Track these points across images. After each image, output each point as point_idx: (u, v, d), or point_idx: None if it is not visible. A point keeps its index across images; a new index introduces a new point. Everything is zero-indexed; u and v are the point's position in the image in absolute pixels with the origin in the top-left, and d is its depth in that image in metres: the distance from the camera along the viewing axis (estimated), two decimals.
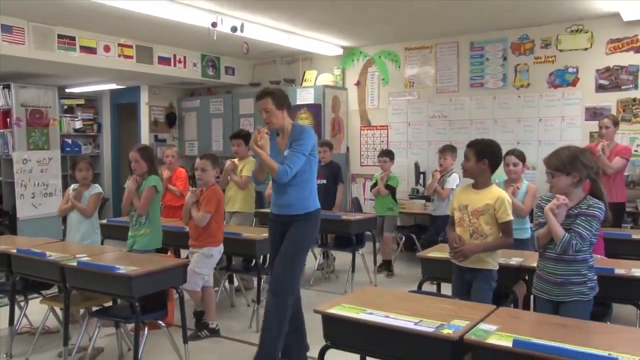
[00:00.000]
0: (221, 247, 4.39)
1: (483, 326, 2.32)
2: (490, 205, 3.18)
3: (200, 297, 4.34)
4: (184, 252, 5.32)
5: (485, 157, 3.23)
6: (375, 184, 6.45)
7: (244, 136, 5.49)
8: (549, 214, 2.79)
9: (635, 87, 6.30)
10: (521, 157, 4.30)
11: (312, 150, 3.58)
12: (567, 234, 2.74)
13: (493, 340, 2.17)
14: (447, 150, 5.93)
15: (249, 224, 5.58)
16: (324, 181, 6.23)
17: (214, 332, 4.33)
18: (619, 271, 3.22)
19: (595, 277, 2.85)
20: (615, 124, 5.38)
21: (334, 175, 6.23)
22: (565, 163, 2.81)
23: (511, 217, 3.18)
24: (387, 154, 6.46)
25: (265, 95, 3.54)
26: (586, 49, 6.55)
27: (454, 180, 5.79)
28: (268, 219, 3.78)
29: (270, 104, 3.51)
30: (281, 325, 3.48)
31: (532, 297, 3.55)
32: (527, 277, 3.54)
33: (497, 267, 3.27)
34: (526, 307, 3.50)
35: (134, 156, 4.31)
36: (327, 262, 6.34)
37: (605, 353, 2.00)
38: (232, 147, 5.53)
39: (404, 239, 6.93)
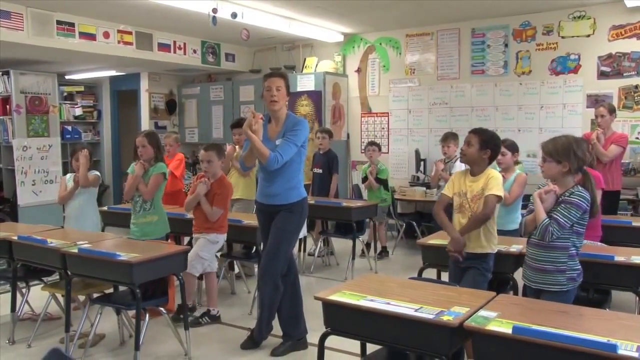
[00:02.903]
0: (225, 235, 4.42)
1: (483, 313, 2.33)
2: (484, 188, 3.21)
3: (195, 282, 4.36)
4: (185, 239, 5.34)
5: (489, 148, 3.25)
6: (365, 178, 6.41)
7: None
8: (536, 199, 2.84)
9: (638, 74, 6.28)
10: (511, 147, 4.25)
11: (304, 143, 3.64)
12: (546, 219, 2.77)
13: (493, 327, 2.18)
14: (450, 138, 5.91)
15: (251, 211, 5.57)
16: (320, 170, 6.24)
17: (215, 319, 4.35)
18: (619, 258, 3.22)
19: (578, 266, 2.85)
20: (612, 112, 5.34)
21: (329, 165, 6.24)
22: (559, 151, 2.83)
23: (497, 193, 3.16)
24: (376, 144, 6.45)
25: (281, 75, 3.69)
26: (588, 36, 6.51)
27: (460, 167, 5.76)
28: (255, 208, 3.86)
29: (283, 85, 3.61)
30: (271, 305, 3.71)
31: None
32: None
33: (495, 251, 3.26)
34: (526, 294, 3.51)
35: (141, 141, 4.26)
36: (327, 248, 6.35)
37: (604, 339, 2.01)
38: (233, 137, 5.49)
39: (404, 226, 6.94)
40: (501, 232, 3.82)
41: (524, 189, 4.17)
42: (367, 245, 6.31)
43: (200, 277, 4.52)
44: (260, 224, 3.87)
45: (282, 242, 3.68)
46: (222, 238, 4.36)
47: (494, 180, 3.19)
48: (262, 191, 3.73)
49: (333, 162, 6.29)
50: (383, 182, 6.33)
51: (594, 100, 6.46)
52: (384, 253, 6.48)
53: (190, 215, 4.68)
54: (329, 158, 6.29)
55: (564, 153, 2.82)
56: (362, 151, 8.19)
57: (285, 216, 3.66)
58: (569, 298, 2.81)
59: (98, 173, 4.70)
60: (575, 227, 2.80)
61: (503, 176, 4.16)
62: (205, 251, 4.28)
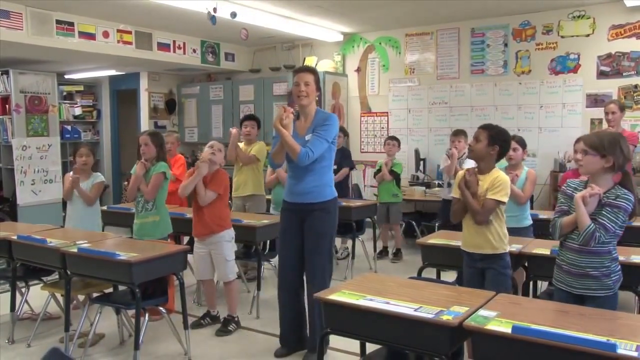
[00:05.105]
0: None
1: (483, 312, 2.33)
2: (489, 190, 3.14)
3: (238, 288, 4.27)
4: (184, 239, 5.34)
5: (497, 143, 3.16)
6: (379, 170, 6.40)
7: (258, 119, 5.52)
8: (579, 202, 2.60)
9: (637, 73, 6.28)
10: (521, 143, 4.25)
11: (334, 139, 3.56)
12: (592, 224, 2.59)
13: (492, 326, 2.18)
14: (460, 133, 5.82)
15: (262, 206, 5.52)
16: (335, 167, 6.17)
17: (215, 319, 4.35)
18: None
19: (619, 268, 2.74)
20: (622, 109, 5.31)
21: (344, 160, 6.23)
22: (605, 144, 2.62)
23: (500, 199, 3.08)
24: (396, 139, 6.45)
25: (310, 70, 3.61)
26: (588, 35, 6.52)
27: (470, 163, 5.68)
28: (281, 207, 3.73)
29: (313, 80, 3.53)
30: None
31: (531, 283, 3.58)
32: (526, 264, 3.55)
33: (507, 250, 3.17)
34: (526, 293, 3.51)
35: (144, 140, 4.24)
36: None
37: (604, 339, 2.01)
38: (245, 129, 5.39)
39: (404, 225, 6.94)
40: (515, 230, 3.78)
41: (535, 185, 4.18)
42: (385, 249, 6.49)
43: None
44: (284, 224, 3.68)
45: (324, 243, 3.57)
46: (232, 232, 4.23)
47: (501, 185, 3.10)
48: (291, 189, 3.60)
49: (347, 157, 6.33)
50: (396, 176, 6.31)
51: (594, 100, 6.47)
52: (399, 254, 6.46)
53: (190, 215, 4.67)
54: (344, 154, 6.28)
55: (610, 147, 2.61)
56: (363, 149, 8.20)
57: (322, 218, 3.55)
58: (617, 301, 2.71)
59: (102, 179, 4.70)
60: (617, 230, 2.65)
61: (517, 175, 4.13)
62: (229, 253, 4.17)
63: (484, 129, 3.22)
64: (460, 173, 3.29)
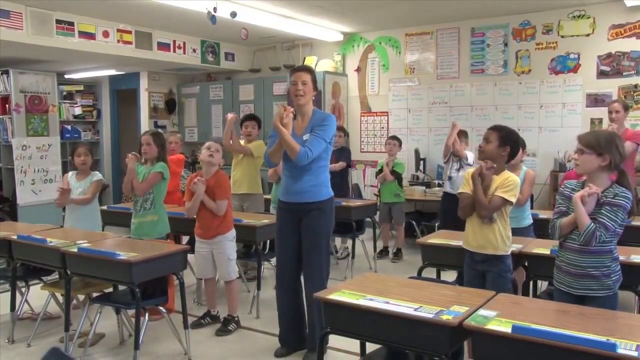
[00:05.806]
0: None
1: (483, 312, 2.33)
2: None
3: (239, 287, 4.27)
4: (184, 239, 5.34)
5: (508, 144, 3.15)
6: (380, 170, 6.39)
7: (259, 119, 5.54)
8: (578, 202, 2.60)
9: (637, 73, 6.27)
10: (522, 144, 4.25)
11: (331, 139, 3.56)
12: (592, 224, 2.58)
13: (492, 326, 2.18)
14: (462, 134, 5.84)
15: (260, 205, 5.53)
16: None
17: (215, 319, 4.35)
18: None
19: (619, 268, 2.74)
20: (626, 108, 5.29)
21: (344, 159, 6.27)
22: (601, 142, 2.63)
23: (508, 198, 3.06)
24: (397, 139, 6.45)
25: (308, 70, 3.60)
26: (588, 35, 6.51)
27: (472, 155, 5.65)
28: (277, 207, 3.74)
29: (310, 79, 3.53)
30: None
31: (531, 283, 3.58)
32: (526, 264, 3.55)
33: (509, 252, 3.17)
34: (526, 293, 3.51)
35: (146, 139, 4.25)
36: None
37: (604, 339, 2.01)
38: (245, 129, 5.40)
39: (403, 225, 6.93)
40: (516, 230, 3.75)
41: (533, 186, 4.16)
42: (385, 249, 6.48)
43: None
44: (280, 224, 3.69)
45: (320, 243, 3.58)
46: (234, 232, 4.26)
47: (512, 185, 3.09)
48: (288, 189, 3.61)
49: (347, 155, 6.39)
50: (397, 176, 6.31)
51: (594, 100, 6.47)
52: (400, 254, 6.46)
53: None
54: (344, 152, 6.34)
55: (606, 145, 2.62)
56: (362, 149, 8.20)
57: (319, 217, 3.55)
58: (617, 301, 2.70)
59: (100, 177, 4.72)
60: (617, 229, 2.65)
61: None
62: (231, 253, 4.20)
63: (493, 130, 3.20)
64: (472, 169, 3.29)
